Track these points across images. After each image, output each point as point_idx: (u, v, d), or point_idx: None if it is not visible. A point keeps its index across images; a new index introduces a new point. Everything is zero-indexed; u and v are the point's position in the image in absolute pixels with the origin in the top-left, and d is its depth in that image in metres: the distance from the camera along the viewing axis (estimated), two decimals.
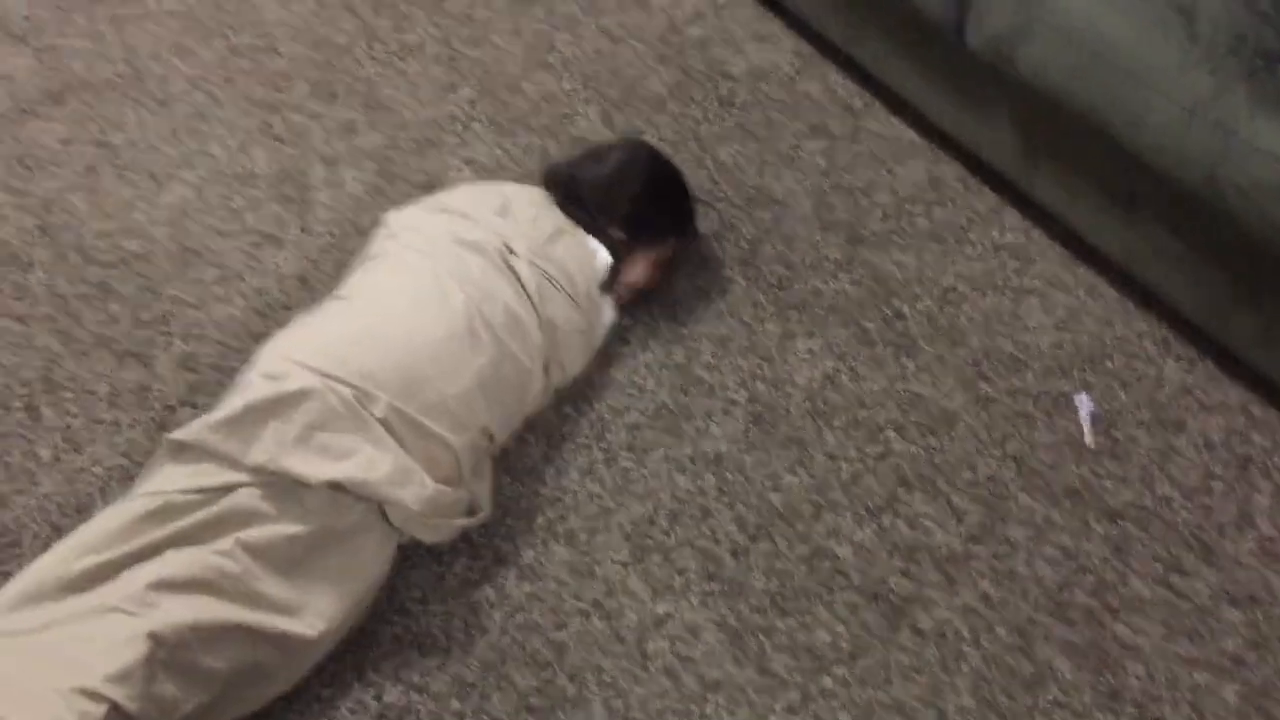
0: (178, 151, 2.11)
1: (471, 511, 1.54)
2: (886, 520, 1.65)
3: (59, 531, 1.54)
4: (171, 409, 1.72)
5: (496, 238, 1.65)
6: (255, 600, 1.32)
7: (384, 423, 1.42)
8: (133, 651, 1.23)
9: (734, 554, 1.60)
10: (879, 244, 2.01)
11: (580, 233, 1.78)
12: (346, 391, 1.41)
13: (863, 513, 1.65)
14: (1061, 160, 1.88)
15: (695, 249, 1.98)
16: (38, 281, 1.87)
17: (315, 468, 1.36)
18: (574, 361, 1.72)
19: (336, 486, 1.37)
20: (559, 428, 1.73)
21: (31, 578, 1.29)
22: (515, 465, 1.68)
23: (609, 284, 1.78)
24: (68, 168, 2.06)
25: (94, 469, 1.63)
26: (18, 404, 1.70)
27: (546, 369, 1.65)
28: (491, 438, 1.56)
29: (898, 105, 2.24)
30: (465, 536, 1.59)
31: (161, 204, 2.01)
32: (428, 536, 1.50)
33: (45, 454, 1.65)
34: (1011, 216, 2.06)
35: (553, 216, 1.77)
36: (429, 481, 1.43)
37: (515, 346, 1.58)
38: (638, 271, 1.83)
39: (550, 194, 1.85)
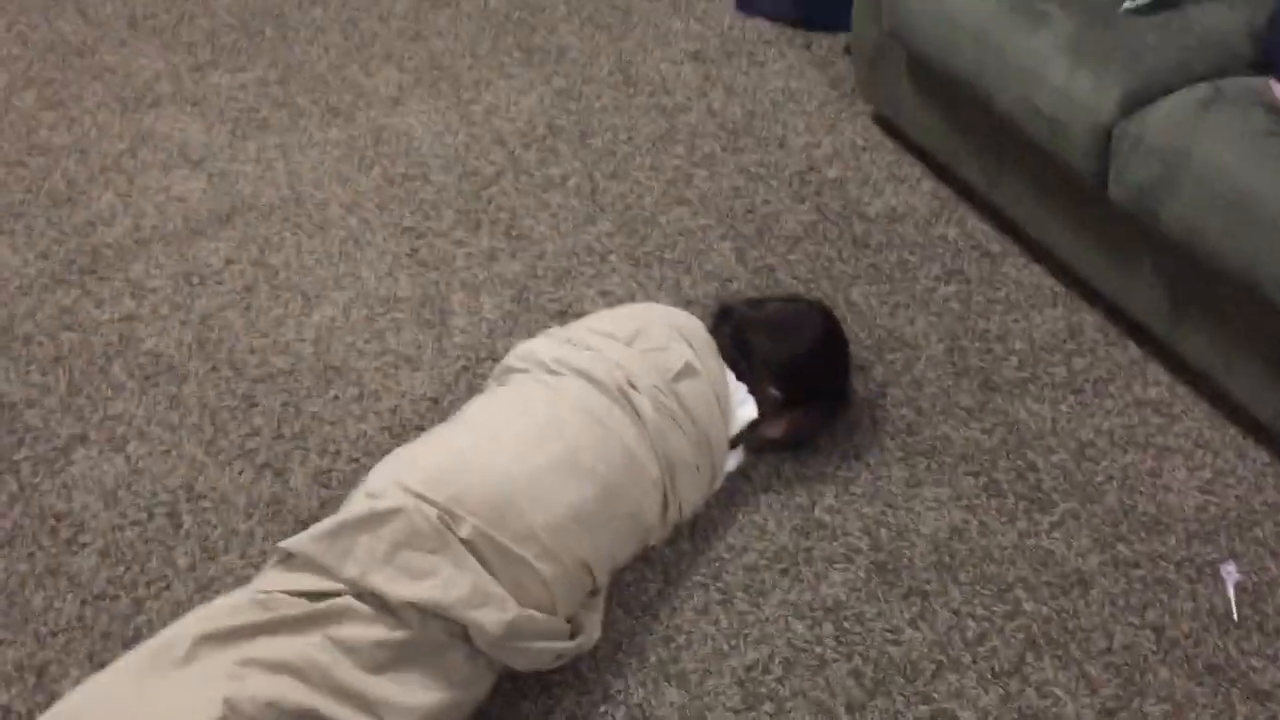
0: (329, 273, 2.21)
1: (572, 636, 1.53)
2: (1014, 685, 1.58)
3: None
4: (304, 523, 1.76)
5: (619, 370, 1.66)
6: (337, 692, 1.34)
7: (468, 544, 1.43)
8: (207, 713, 1.26)
9: (849, 709, 1.55)
10: (1013, 393, 1.97)
11: (718, 372, 1.76)
12: (433, 512, 1.43)
13: (988, 675, 1.58)
14: (1210, 316, 1.82)
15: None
16: (190, 393, 1.97)
17: (397, 586, 1.39)
18: (690, 501, 1.71)
19: (418, 606, 1.39)
20: (676, 564, 1.72)
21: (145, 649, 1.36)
22: (630, 600, 1.67)
23: (746, 437, 1.78)
24: (228, 285, 2.18)
25: (225, 578, 1.69)
26: (161, 510, 1.78)
27: (665, 507, 1.65)
28: (590, 571, 1.55)
29: (1037, 252, 2.21)
30: (575, 671, 1.58)
31: (310, 323, 2.11)
32: (517, 663, 1.49)
33: (182, 561, 1.71)
34: (1155, 371, 1.99)
35: (685, 350, 1.74)
36: (511, 605, 1.43)
37: (625, 481, 1.58)
38: (778, 428, 1.83)
39: (716, 327, 1.85)
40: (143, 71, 2.77)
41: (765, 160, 2.50)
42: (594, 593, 1.60)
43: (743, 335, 1.82)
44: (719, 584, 1.69)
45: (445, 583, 1.40)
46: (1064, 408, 1.94)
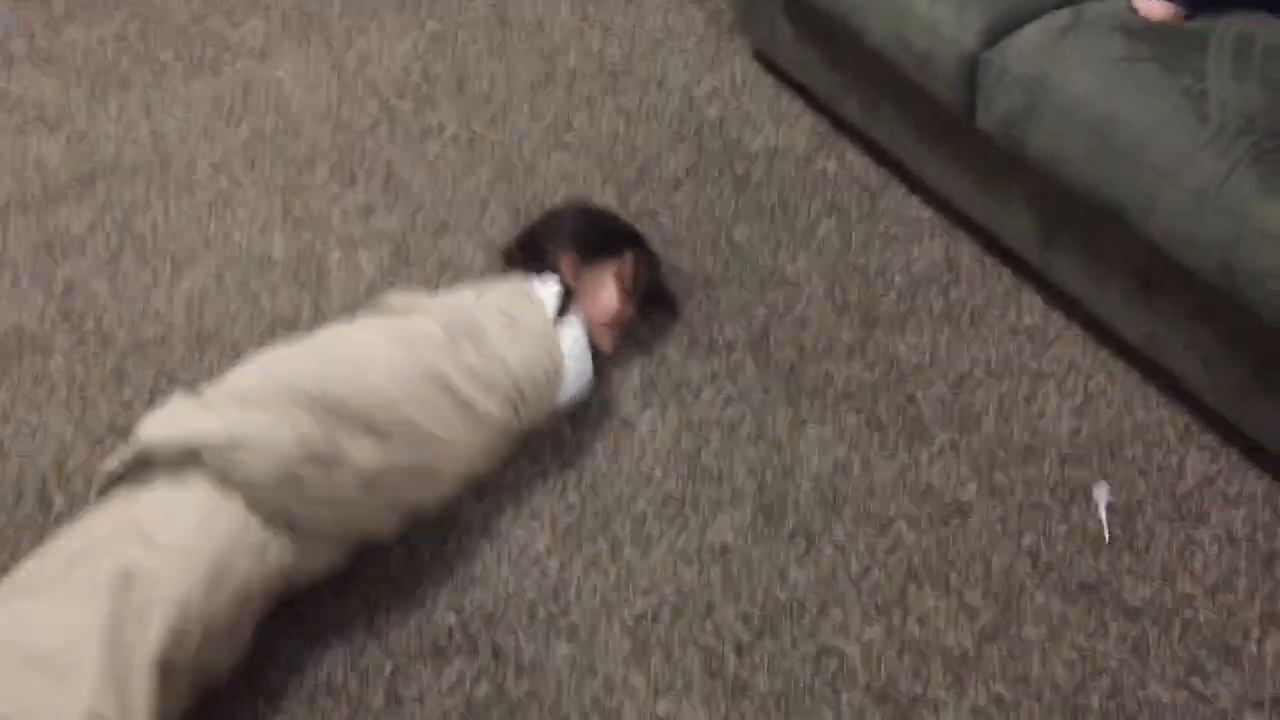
0: (199, 236, 2.14)
1: None
2: (896, 617, 1.61)
3: None
4: None
5: (434, 313, 1.71)
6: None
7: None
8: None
9: (738, 651, 1.57)
10: (893, 327, 1.99)
11: (517, 281, 1.84)
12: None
13: (872, 610, 1.62)
14: (1078, 243, 1.86)
15: (680, 321, 1.97)
16: (56, 368, 1.90)
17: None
18: (521, 363, 1.69)
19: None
20: (563, 517, 1.71)
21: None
22: (519, 556, 1.66)
23: (566, 309, 1.82)
24: (92, 253, 2.10)
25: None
26: (31, 492, 1.72)
27: (506, 400, 1.67)
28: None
29: (915, 184, 2.23)
30: (465, 633, 1.57)
31: (181, 289, 2.04)
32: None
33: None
34: (1030, 298, 2.03)
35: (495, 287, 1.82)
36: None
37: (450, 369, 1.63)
38: (603, 298, 1.86)
39: (508, 267, 1.96)
40: None
41: (645, 101, 2.47)
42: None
43: (520, 242, 1.98)
44: (607, 534, 1.70)
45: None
46: (942, 339, 1.97)
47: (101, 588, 1.31)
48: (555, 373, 1.73)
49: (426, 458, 1.58)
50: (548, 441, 1.81)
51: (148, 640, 1.30)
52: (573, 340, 1.78)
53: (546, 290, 1.81)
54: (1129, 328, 1.84)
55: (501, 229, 2.17)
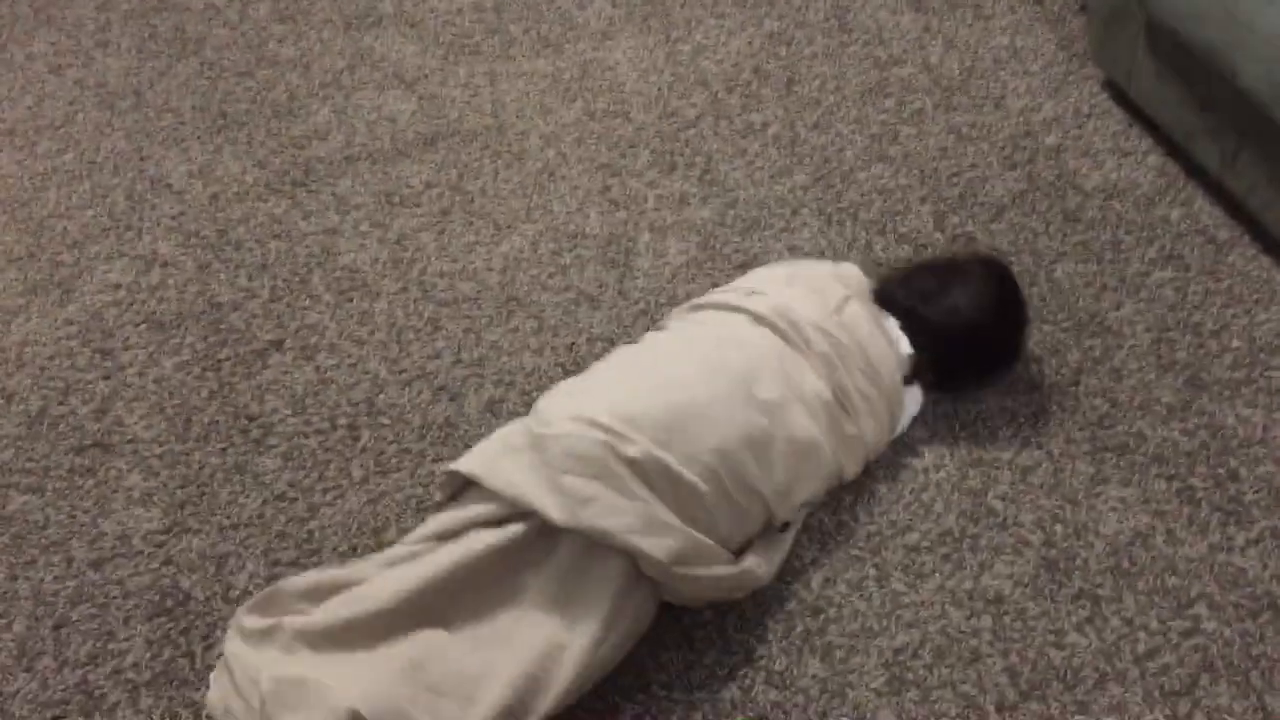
0: (521, 204, 2.24)
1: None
2: (1183, 708, 1.48)
3: (355, 549, 1.67)
4: (470, 447, 1.80)
5: (782, 308, 1.65)
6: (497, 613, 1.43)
7: (635, 466, 1.42)
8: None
9: (999, 708, 1.48)
10: (1222, 394, 1.82)
11: (875, 309, 1.74)
12: (598, 435, 1.43)
13: (1155, 694, 1.49)
14: None
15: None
16: (380, 310, 2.03)
17: (562, 512, 1.39)
18: (871, 434, 1.67)
19: (583, 531, 1.39)
20: (834, 534, 1.68)
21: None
22: (784, 566, 1.64)
23: (916, 373, 1.75)
24: (425, 208, 2.24)
25: (395, 494, 1.75)
26: (343, 422, 1.85)
27: (844, 439, 1.62)
28: (764, 502, 1.53)
29: (1269, 243, 2.03)
30: (720, 629, 1.57)
31: (498, 252, 2.14)
32: (683, 592, 1.48)
33: (357, 473, 1.78)
34: None
35: (840, 289, 1.73)
36: (679, 531, 1.42)
37: (796, 409, 1.56)
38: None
39: (874, 289, 1.81)
40: None
41: (979, 121, 2.38)
42: (781, 529, 1.59)
43: (894, 293, 1.79)
44: (876, 560, 1.65)
45: (610, 509, 1.40)
46: (1278, 416, 1.79)
47: (524, 652, 1.37)
48: (890, 426, 1.73)
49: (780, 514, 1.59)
50: None
51: (543, 701, 1.37)
52: (917, 403, 1.79)
53: (904, 348, 1.73)
54: None
55: (811, 234, 2.14)
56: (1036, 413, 1.82)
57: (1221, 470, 1.73)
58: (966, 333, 1.74)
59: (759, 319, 1.64)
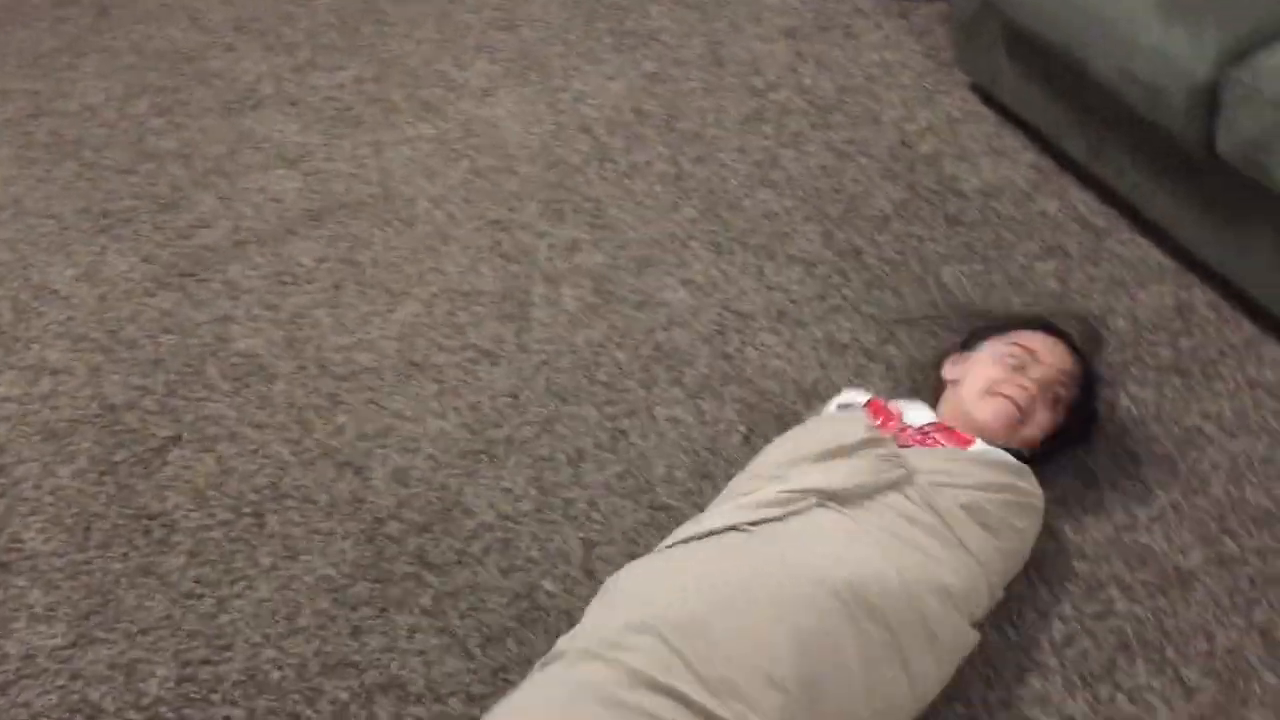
0: (415, 269, 2.23)
1: None
2: (1104, 691, 1.49)
3: (268, 639, 1.64)
4: (380, 520, 1.79)
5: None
6: None
7: None
8: None
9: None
10: (1114, 376, 1.86)
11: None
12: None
13: (1076, 680, 1.50)
14: None
15: (884, 364, 1.89)
16: (278, 392, 2.01)
17: None
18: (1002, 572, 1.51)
19: None
20: None
21: None
22: None
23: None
24: (317, 284, 2.23)
25: (306, 578, 1.72)
26: (248, 510, 1.83)
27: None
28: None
29: (1145, 225, 2.08)
30: None
31: (394, 320, 2.13)
32: None
33: (266, 560, 1.75)
34: (1272, 351, 1.85)
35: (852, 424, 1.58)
36: None
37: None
38: (973, 373, 1.67)
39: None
40: (246, 74, 2.84)
41: (856, 137, 2.42)
42: None
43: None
44: None
45: None
46: (1168, 391, 1.82)
47: None
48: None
49: None
50: None
51: None
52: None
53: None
54: None
55: (703, 266, 2.16)
56: None
57: (1119, 451, 1.75)
58: None
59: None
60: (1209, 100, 1.69)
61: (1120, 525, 1.66)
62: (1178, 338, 1.90)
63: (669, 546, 1.49)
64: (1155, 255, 2.04)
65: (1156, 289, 1.99)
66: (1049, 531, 1.66)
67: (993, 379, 1.62)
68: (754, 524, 1.41)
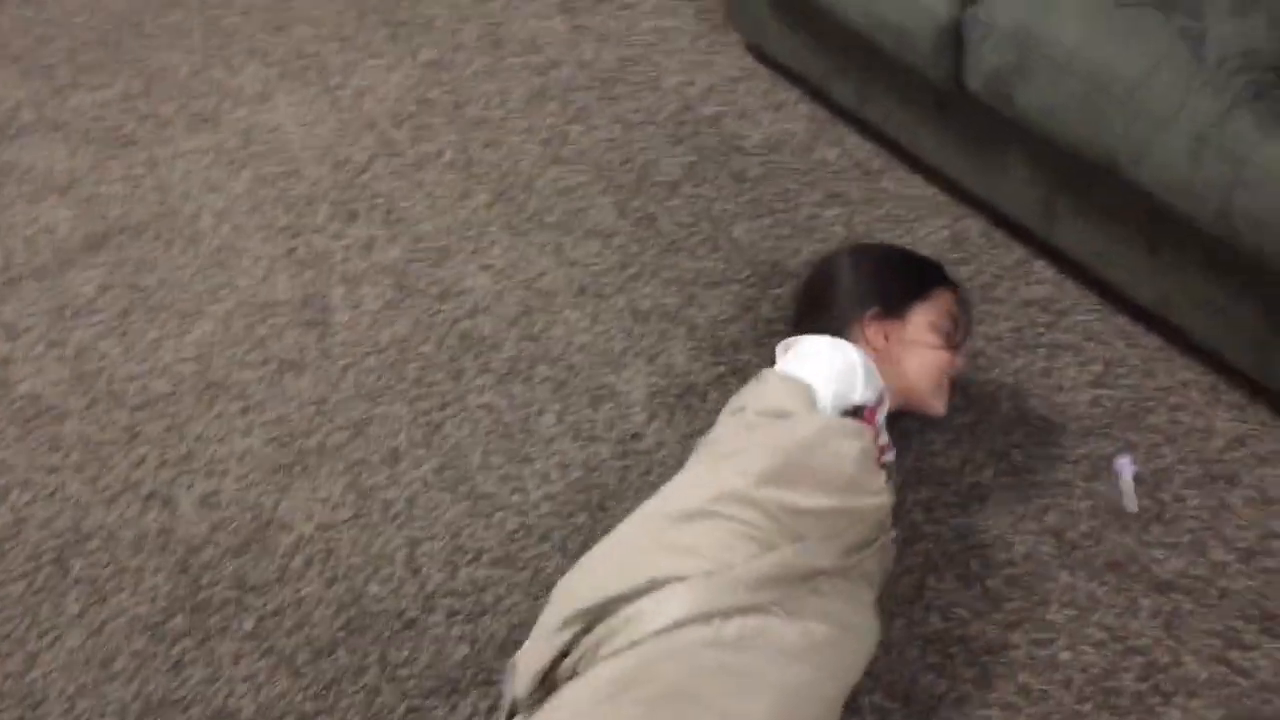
0: (205, 286, 2.16)
1: None
2: (917, 612, 1.56)
3: (84, 689, 1.57)
4: (193, 549, 1.74)
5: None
6: None
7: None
8: None
9: None
10: None
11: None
12: None
13: (890, 605, 1.56)
14: (1080, 206, 1.79)
15: (678, 323, 1.93)
16: (70, 431, 1.92)
17: None
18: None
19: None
20: (572, 539, 1.69)
21: None
22: (530, 583, 1.63)
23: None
24: (103, 314, 2.13)
25: (118, 619, 1.66)
26: (48, 557, 1.74)
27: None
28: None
29: (916, 163, 2.17)
30: (478, 661, 1.55)
31: (189, 341, 2.06)
32: None
33: (74, 608, 1.68)
34: (1041, 269, 1.96)
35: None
36: None
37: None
38: (926, 356, 1.60)
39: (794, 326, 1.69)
40: (3, 103, 2.68)
41: (640, 106, 2.44)
42: None
43: (803, 306, 1.73)
44: None
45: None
46: None
47: None
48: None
49: None
50: (555, 462, 1.79)
51: None
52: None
53: (838, 361, 1.51)
54: (1141, 289, 1.77)
55: (502, 250, 2.15)
56: (741, 370, 1.88)
57: None
58: (840, 259, 1.71)
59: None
60: (953, 39, 1.77)
61: (918, 452, 1.74)
62: (957, 267, 1.99)
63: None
64: (928, 191, 2.13)
65: (933, 223, 2.07)
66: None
67: (943, 368, 1.61)
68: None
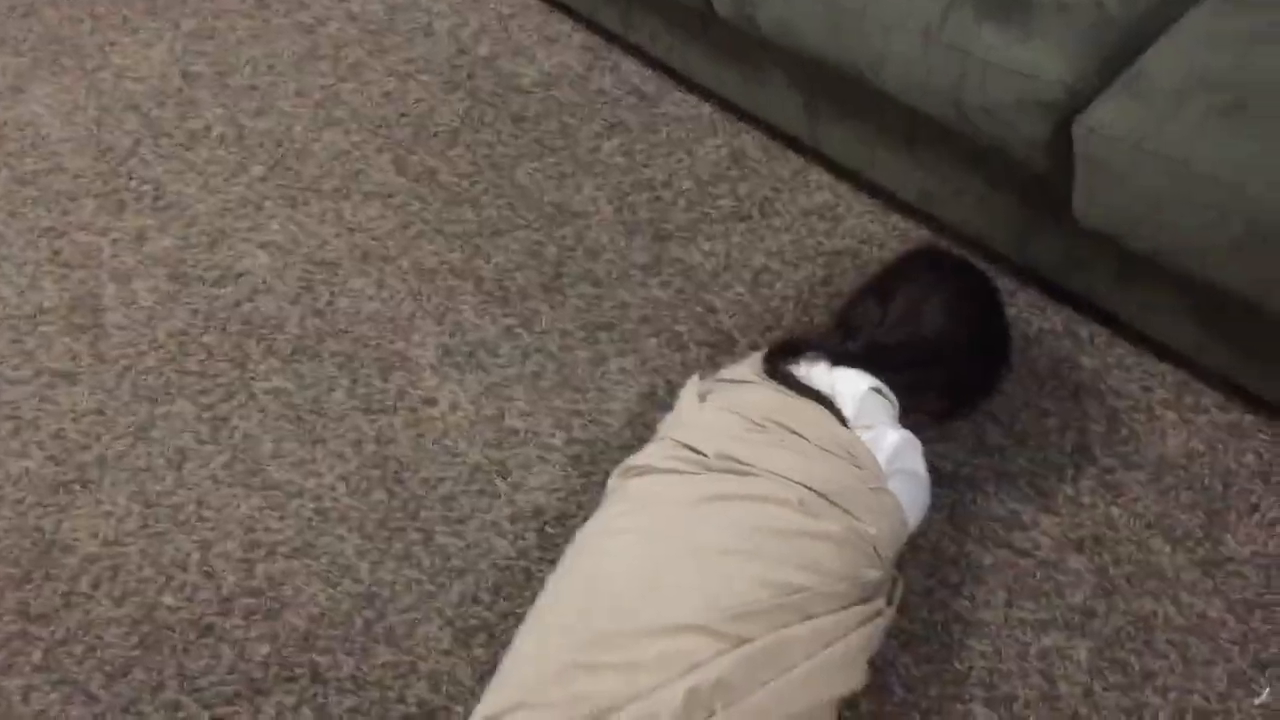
0: None
1: None
2: None
3: None
4: None
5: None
6: None
7: None
8: None
9: None
10: (685, 237, 1.92)
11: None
12: None
13: None
14: (838, 112, 1.79)
15: (470, 278, 1.89)
16: None
17: None
18: (879, 520, 1.28)
19: None
20: (370, 514, 1.65)
21: None
22: (328, 568, 1.60)
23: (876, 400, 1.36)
24: None
25: None
26: None
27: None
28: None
29: (689, 84, 2.13)
30: (280, 657, 1.51)
31: None
32: None
33: None
34: (818, 177, 1.96)
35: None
36: None
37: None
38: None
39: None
40: None
41: (413, 55, 2.36)
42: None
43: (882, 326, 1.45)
44: (417, 524, 1.64)
45: None
46: (735, 239, 1.90)
47: None
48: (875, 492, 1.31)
49: None
50: (349, 440, 1.74)
51: None
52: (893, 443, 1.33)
53: (852, 388, 1.36)
54: (905, 187, 1.78)
55: (280, 224, 2.07)
56: (530, 319, 1.84)
57: (699, 309, 1.82)
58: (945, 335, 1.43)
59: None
60: None
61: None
62: (736, 185, 1.97)
63: None
64: (704, 111, 2.11)
65: (711, 143, 2.05)
66: (650, 400, 1.71)
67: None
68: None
